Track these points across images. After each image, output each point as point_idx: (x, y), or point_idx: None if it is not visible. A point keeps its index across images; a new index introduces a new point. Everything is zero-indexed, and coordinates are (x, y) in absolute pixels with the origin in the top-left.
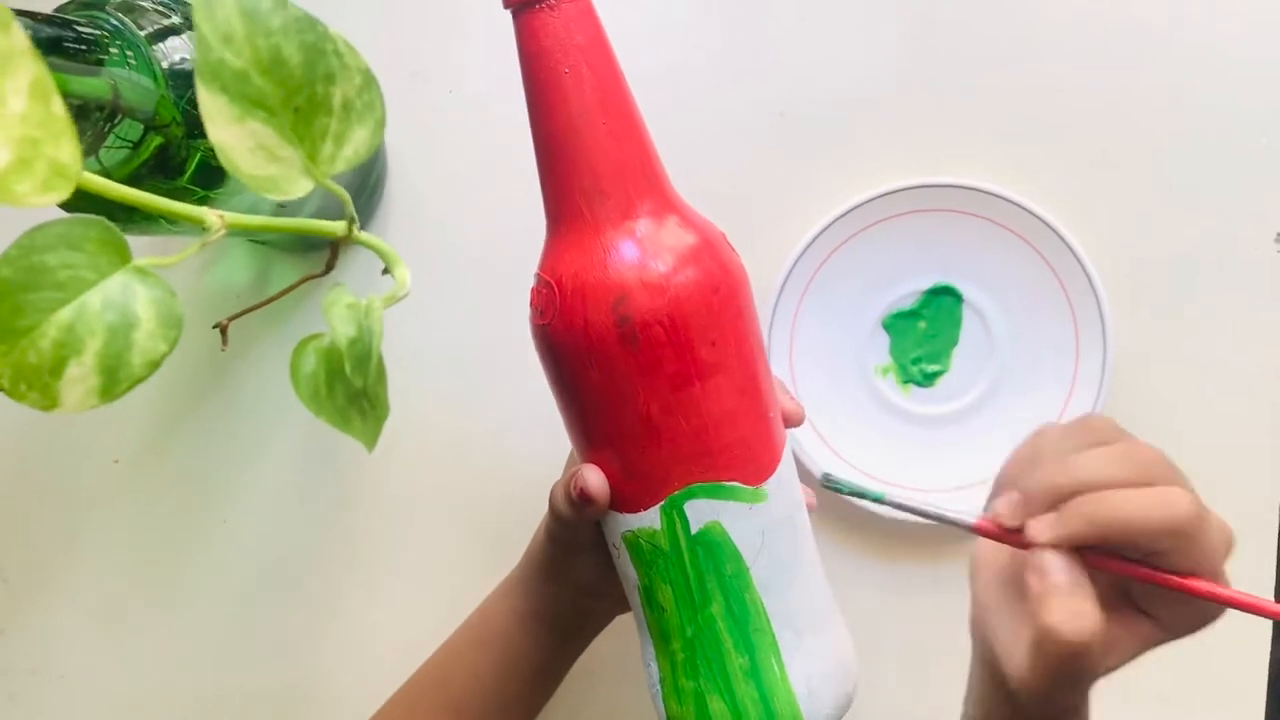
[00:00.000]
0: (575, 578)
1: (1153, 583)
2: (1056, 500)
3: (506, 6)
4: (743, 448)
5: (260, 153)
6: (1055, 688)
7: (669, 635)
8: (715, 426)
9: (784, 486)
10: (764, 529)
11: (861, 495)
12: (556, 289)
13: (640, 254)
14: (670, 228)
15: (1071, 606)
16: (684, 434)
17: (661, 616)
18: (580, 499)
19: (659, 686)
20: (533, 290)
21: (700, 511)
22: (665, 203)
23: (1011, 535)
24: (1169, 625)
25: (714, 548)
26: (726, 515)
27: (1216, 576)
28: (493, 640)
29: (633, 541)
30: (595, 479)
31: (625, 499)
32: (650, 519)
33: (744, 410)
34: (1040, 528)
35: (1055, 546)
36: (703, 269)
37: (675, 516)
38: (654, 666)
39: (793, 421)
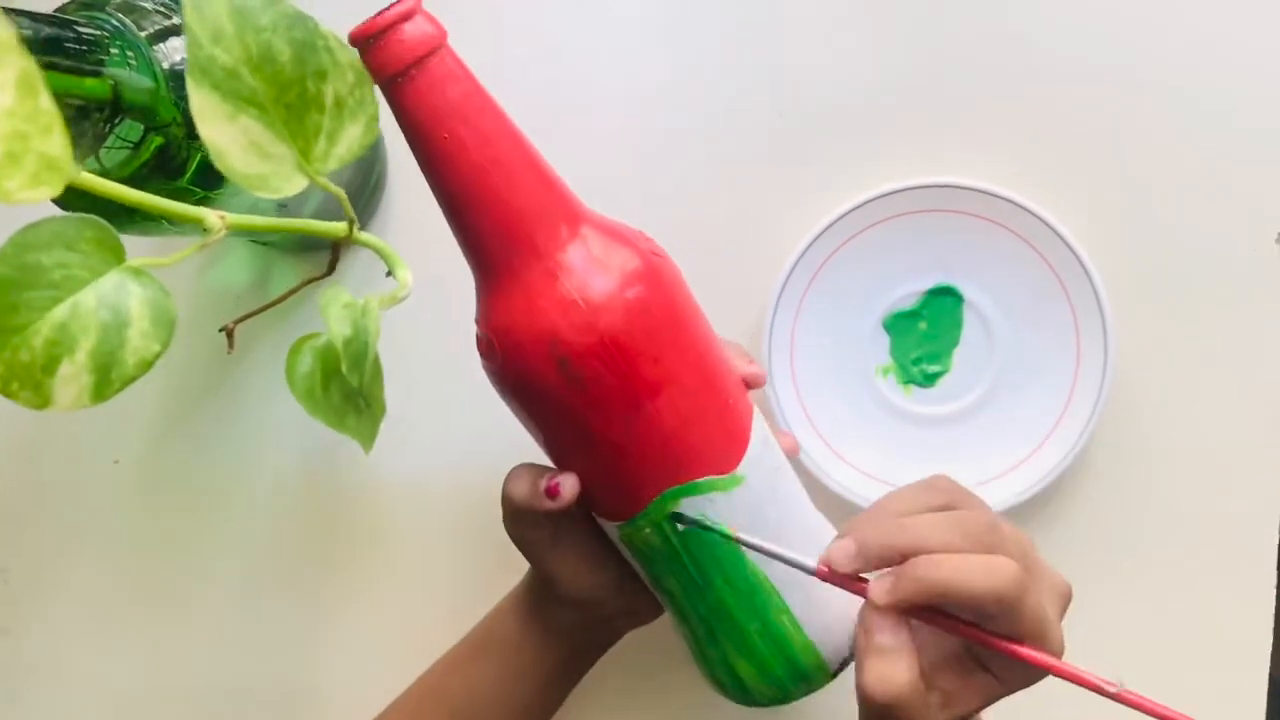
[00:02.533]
0: (570, 593)
1: (982, 645)
2: (890, 556)
3: (374, 80)
4: (709, 444)
5: (252, 150)
6: None
7: (684, 614)
8: (677, 434)
9: (759, 460)
10: (748, 506)
11: (708, 530)
12: (495, 340)
13: (562, 295)
14: (590, 259)
15: (883, 668)
16: (647, 450)
17: (672, 600)
18: (549, 493)
19: (689, 652)
20: (476, 337)
21: (684, 510)
22: (575, 230)
23: (846, 581)
24: (1004, 680)
25: (705, 538)
26: (709, 507)
27: (1043, 638)
28: (498, 651)
29: (628, 542)
30: (570, 485)
31: (610, 508)
32: (638, 524)
33: (701, 408)
34: (879, 590)
35: (890, 608)
36: (629, 292)
37: (661, 520)
38: (680, 636)
39: (755, 385)
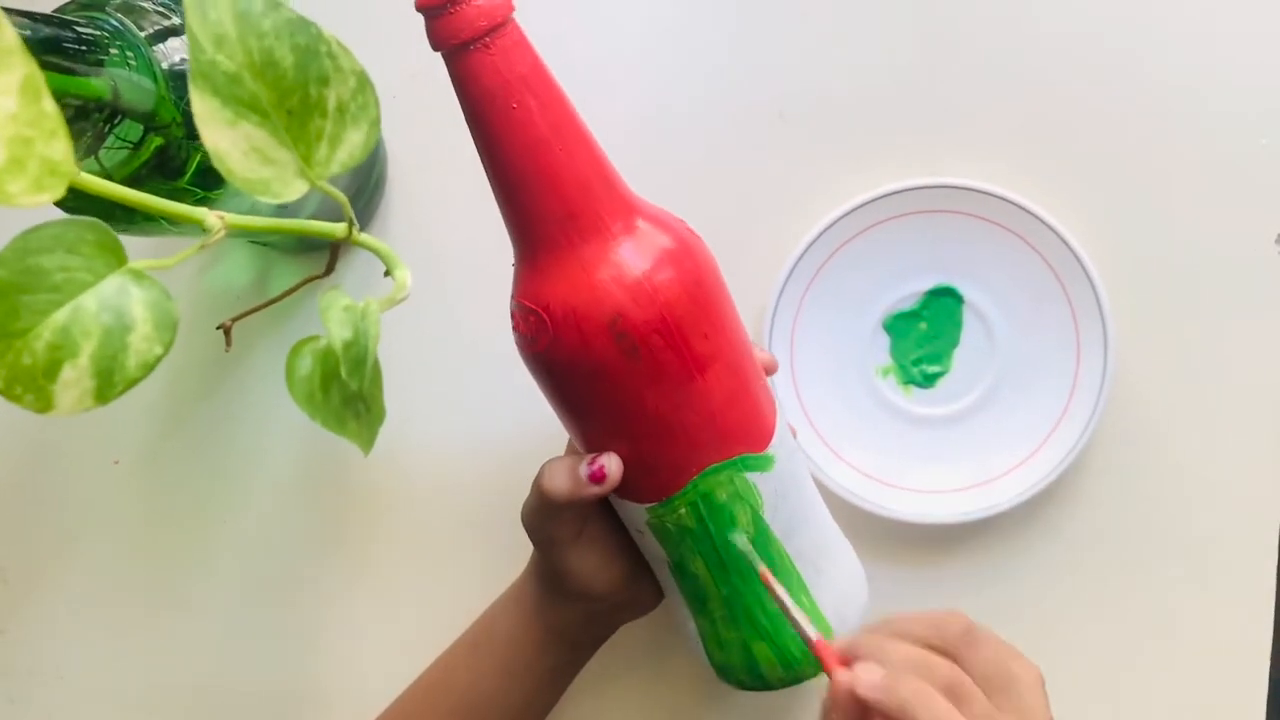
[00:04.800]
0: (582, 588)
1: None
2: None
3: (438, 49)
4: (746, 421)
5: (254, 156)
6: None
7: (705, 598)
8: (721, 410)
9: (784, 441)
10: (775, 486)
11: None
12: (547, 316)
13: (624, 269)
14: (643, 234)
15: None
16: (695, 425)
17: (695, 583)
18: (593, 479)
19: (699, 641)
20: (516, 316)
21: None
22: (629, 209)
23: (829, 662)
24: None
25: (735, 516)
26: (743, 484)
27: None
28: (498, 646)
29: (658, 526)
30: (616, 466)
31: (646, 490)
32: (673, 504)
33: (741, 386)
34: (863, 679)
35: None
36: (682, 267)
37: (698, 499)
38: (691, 625)
39: (770, 372)
